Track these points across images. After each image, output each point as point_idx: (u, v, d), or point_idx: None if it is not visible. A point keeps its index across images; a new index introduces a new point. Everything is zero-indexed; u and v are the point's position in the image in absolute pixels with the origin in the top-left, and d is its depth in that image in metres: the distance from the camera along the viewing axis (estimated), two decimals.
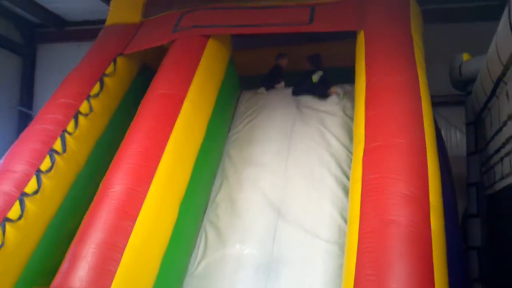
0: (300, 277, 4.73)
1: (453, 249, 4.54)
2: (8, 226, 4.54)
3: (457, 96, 7.47)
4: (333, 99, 6.48)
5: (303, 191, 5.42)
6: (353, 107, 5.70)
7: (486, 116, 5.87)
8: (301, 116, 6.33)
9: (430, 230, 3.93)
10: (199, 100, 5.67)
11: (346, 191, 5.17)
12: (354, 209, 4.29)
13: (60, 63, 9.51)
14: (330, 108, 6.30)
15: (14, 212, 4.65)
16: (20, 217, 4.65)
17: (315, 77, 6.80)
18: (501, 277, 5.10)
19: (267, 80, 7.15)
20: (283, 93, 6.88)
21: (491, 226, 5.75)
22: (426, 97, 5.09)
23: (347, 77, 6.35)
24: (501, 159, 5.00)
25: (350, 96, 6.25)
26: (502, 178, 4.95)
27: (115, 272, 3.98)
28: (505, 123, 4.80)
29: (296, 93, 6.79)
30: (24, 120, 9.98)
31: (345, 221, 4.80)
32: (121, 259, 4.06)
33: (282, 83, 7.07)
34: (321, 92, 6.63)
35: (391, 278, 3.65)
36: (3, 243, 4.47)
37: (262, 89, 7.04)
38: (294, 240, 5.02)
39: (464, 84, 6.76)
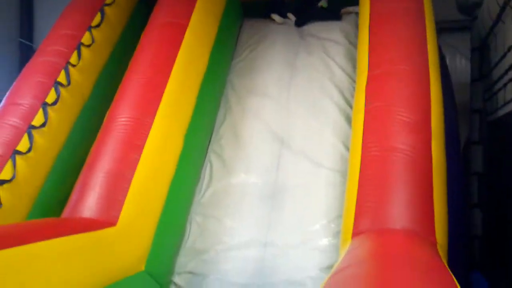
0: (304, 204, 4.86)
1: (453, 176, 4.62)
2: (18, 158, 4.63)
3: (463, 21, 7.35)
4: (337, 26, 6.32)
5: (305, 121, 5.45)
6: (357, 35, 5.63)
7: (491, 42, 5.80)
8: (304, 45, 6.22)
9: (431, 157, 3.99)
10: (201, 28, 5.59)
11: (349, 120, 5.19)
12: (356, 138, 4.34)
13: None
14: (334, 36, 6.18)
15: (23, 144, 4.72)
16: (29, 150, 4.72)
17: (324, 3, 6.65)
18: (499, 203, 5.22)
19: (275, 9, 6.80)
20: (285, 21, 6.71)
21: (492, 153, 5.83)
22: (431, 23, 5.02)
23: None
24: (505, 85, 4.99)
25: (354, 24, 6.16)
26: (505, 104, 4.96)
27: (123, 201, 4.11)
28: (509, 49, 4.76)
29: (300, 23, 6.55)
30: (25, 52, 9.79)
31: (348, 149, 4.87)
32: (129, 189, 4.17)
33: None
34: (334, 14, 6.47)
35: (392, 205, 3.75)
36: (14, 176, 4.57)
37: (277, 16, 6.70)
38: (297, 169, 5.11)
39: (470, 8, 6.63)
